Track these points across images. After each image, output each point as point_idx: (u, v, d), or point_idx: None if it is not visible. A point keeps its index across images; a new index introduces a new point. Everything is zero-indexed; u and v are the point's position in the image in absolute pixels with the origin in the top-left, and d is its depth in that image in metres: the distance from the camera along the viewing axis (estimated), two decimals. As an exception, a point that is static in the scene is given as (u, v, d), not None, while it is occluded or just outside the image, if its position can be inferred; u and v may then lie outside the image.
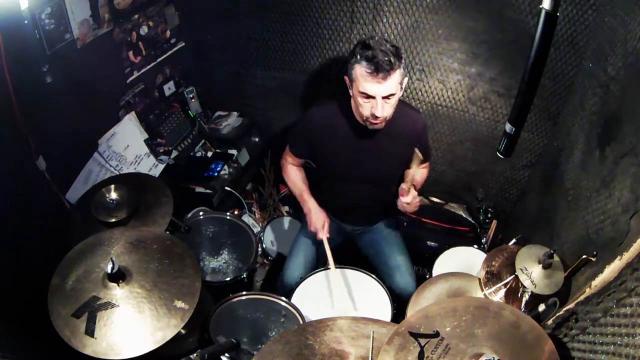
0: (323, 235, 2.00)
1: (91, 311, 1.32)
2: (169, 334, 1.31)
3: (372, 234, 2.26)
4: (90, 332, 1.29)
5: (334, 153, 1.99)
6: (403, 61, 1.71)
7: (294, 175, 2.17)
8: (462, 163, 2.62)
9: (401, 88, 1.77)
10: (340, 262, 2.05)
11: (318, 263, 2.21)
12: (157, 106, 2.61)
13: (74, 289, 1.38)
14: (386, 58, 1.63)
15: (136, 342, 1.29)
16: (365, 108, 1.76)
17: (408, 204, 1.87)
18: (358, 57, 1.68)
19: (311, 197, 2.10)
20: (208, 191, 2.61)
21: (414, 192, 1.87)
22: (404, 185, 1.89)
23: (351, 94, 1.81)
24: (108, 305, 1.33)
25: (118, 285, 1.36)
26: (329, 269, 1.97)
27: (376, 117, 1.74)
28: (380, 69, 1.64)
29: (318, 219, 2.03)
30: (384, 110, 1.73)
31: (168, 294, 1.38)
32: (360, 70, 1.68)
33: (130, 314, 1.33)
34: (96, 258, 1.45)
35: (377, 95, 1.69)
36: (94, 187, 2.02)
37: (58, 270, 1.43)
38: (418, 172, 2.14)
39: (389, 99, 1.72)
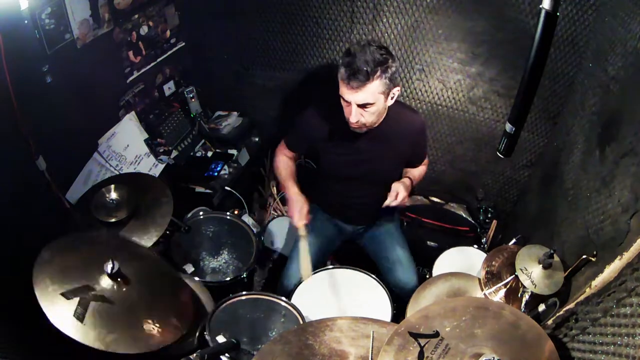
0: (299, 222, 1.92)
1: (83, 298, 1.31)
2: (154, 346, 1.31)
3: (372, 230, 2.26)
4: (79, 316, 1.27)
5: (332, 153, 1.99)
6: (390, 71, 1.68)
7: (283, 164, 2.16)
8: (462, 163, 2.62)
9: (389, 97, 1.76)
10: (341, 262, 2.05)
11: (319, 263, 2.21)
12: (157, 106, 2.61)
13: (68, 270, 1.37)
14: (364, 68, 1.62)
15: (127, 342, 1.28)
16: (345, 111, 1.79)
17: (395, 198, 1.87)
18: (341, 61, 1.71)
19: (294, 185, 2.05)
20: (208, 191, 2.61)
21: (398, 188, 1.87)
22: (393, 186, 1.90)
23: None
24: (102, 298, 1.33)
25: (118, 285, 1.36)
26: (330, 268, 1.98)
27: (352, 122, 1.77)
28: (353, 78, 1.64)
29: (295, 205, 1.94)
30: (359, 117, 1.74)
31: (165, 307, 1.39)
32: (340, 74, 1.71)
33: (126, 314, 1.33)
34: (95, 253, 1.44)
35: (351, 102, 1.71)
36: (94, 187, 2.02)
37: (51, 246, 1.42)
38: (414, 169, 2.15)
39: (365, 107, 1.72)
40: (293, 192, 2.02)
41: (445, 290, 1.73)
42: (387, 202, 1.89)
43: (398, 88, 1.79)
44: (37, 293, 1.29)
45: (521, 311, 1.39)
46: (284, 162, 2.17)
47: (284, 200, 3.05)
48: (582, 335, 1.18)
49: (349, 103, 1.73)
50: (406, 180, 1.99)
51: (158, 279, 1.50)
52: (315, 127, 1.96)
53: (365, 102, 1.70)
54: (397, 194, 1.87)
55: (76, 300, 1.29)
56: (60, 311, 1.27)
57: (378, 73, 1.65)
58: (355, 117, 1.74)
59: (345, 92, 1.71)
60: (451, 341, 1.09)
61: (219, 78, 2.91)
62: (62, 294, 1.30)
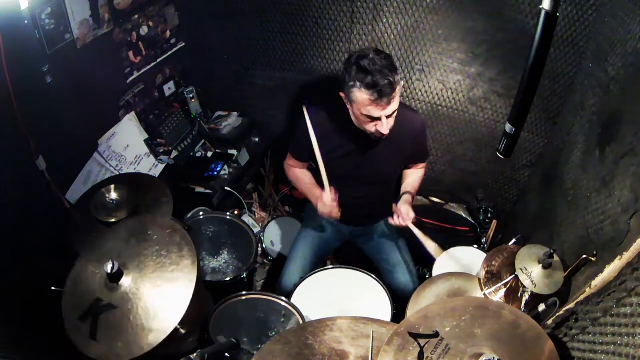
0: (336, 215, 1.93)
1: (94, 314, 1.33)
2: (170, 326, 1.31)
3: (372, 233, 2.26)
4: (93, 334, 1.29)
5: (332, 155, 1.98)
6: (399, 71, 1.68)
7: (299, 176, 2.15)
8: (462, 163, 2.62)
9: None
10: (341, 262, 2.05)
11: (318, 262, 2.21)
12: (157, 106, 2.62)
13: (83, 292, 1.39)
14: (386, 81, 1.59)
15: (133, 343, 1.29)
16: (369, 126, 1.75)
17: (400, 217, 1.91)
18: (357, 83, 1.63)
19: (318, 187, 2.04)
20: (208, 191, 2.61)
21: (404, 208, 1.92)
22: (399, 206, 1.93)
23: (349, 108, 1.79)
24: (110, 307, 1.34)
25: (118, 285, 1.36)
26: (330, 268, 1.99)
27: (382, 134, 1.75)
28: (383, 95, 1.61)
29: (326, 203, 1.93)
30: (390, 125, 1.74)
31: (163, 288, 1.37)
32: (361, 96, 1.64)
33: (129, 313, 1.33)
34: (101, 259, 1.45)
35: (382, 117, 1.68)
36: (94, 187, 2.02)
37: (71, 275, 1.44)
38: (414, 175, 2.15)
39: (392, 115, 1.72)
40: (319, 193, 1.99)
41: (445, 290, 1.73)
42: (393, 223, 1.92)
43: (403, 81, 1.79)
44: (67, 328, 1.32)
45: (521, 311, 1.39)
46: (298, 173, 2.16)
47: (284, 200, 3.06)
48: (582, 335, 1.18)
49: (374, 119, 1.70)
50: (408, 197, 1.99)
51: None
52: (315, 129, 1.95)
53: (394, 111, 1.69)
54: (403, 215, 1.90)
55: (89, 319, 1.32)
56: (82, 335, 1.30)
57: (397, 78, 1.64)
58: (388, 128, 1.72)
59: (374, 111, 1.66)
60: (451, 341, 1.09)
61: (219, 78, 2.91)
62: (79, 318, 1.32)
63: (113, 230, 1.55)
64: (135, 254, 1.44)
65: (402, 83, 1.76)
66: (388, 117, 1.70)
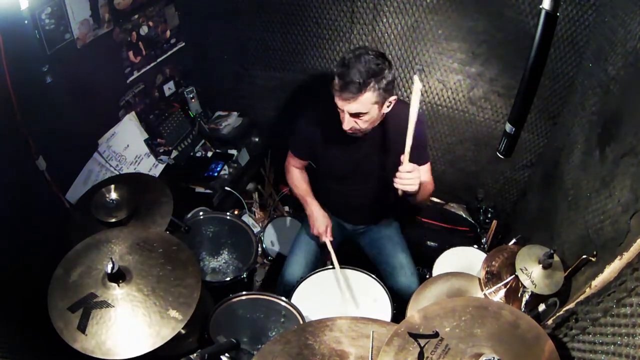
0: (326, 239, 2.02)
1: (86, 307, 1.32)
2: (158, 342, 1.30)
3: (373, 233, 2.26)
4: (82, 327, 1.29)
5: (332, 154, 1.99)
6: (385, 81, 1.65)
7: (297, 178, 2.19)
8: (462, 163, 2.62)
9: (384, 106, 1.75)
10: (341, 262, 2.05)
11: (318, 261, 2.21)
12: (157, 106, 2.62)
13: (75, 283, 1.38)
14: (357, 80, 1.61)
15: (124, 345, 1.28)
16: (340, 116, 1.78)
17: (408, 172, 1.71)
18: (335, 69, 1.69)
19: (314, 200, 2.12)
20: (208, 191, 2.61)
21: (409, 165, 1.74)
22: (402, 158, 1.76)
23: None
24: (104, 304, 1.33)
25: (118, 286, 1.36)
26: (333, 268, 1.99)
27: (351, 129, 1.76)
28: (345, 90, 1.64)
29: (321, 223, 2.05)
30: (352, 124, 1.74)
31: (164, 301, 1.37)
32: (333, 84, 1.70)
33: (123, 316, 1.32)
34: (101, 255, 1.45)
35: (344, 111, 1.71)
36: (94, 187, 2.02)
37: (63, 262, 1.44)
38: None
39: (359, 117, 1.72)
40: (315, 209, 2.08)
41: (445, 290, 1.73)
42: (402, 170, 1.73)
43: (394, 97, 1.78)
44: (52, 315, 1.32)
45: (521, 311, 1.39)
46: (297, 175, 2.19)
47: (284, 200, 3.06)
48: (582, 335, 1.18)
49: (343, 111, 1.74)
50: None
51: (164, 264, 1.47)
52: (314, 127, 1.96)
53: (358, 112, 1.70)
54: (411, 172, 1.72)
55: (80, 311, 1.31)
56: (69, 325, 1.29)
57: (371, 85, 1.63)
58: (348, 124, 1.75)
59: (339, 102, 1.71)
60: (451, 341, 1.09)
61: (219, 78, 2.91)
62: (69, 308, 1.31)
63: (119, 231, 1.56)
64: (141, 262, 1.44)
65: (392, 96, 1.73)
66: (351, 115, 1.71)
